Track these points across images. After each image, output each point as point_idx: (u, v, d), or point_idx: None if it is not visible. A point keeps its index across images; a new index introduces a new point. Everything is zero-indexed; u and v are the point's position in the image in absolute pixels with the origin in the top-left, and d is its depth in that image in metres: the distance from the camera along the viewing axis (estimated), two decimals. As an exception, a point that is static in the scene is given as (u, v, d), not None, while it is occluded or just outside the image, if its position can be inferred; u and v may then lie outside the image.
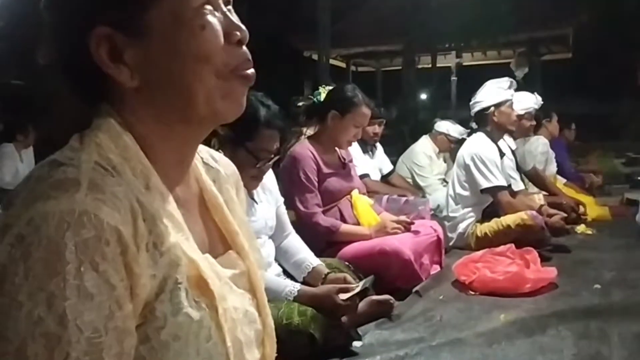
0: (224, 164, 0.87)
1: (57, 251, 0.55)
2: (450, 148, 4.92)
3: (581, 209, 3.71)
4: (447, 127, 4.84)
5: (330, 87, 2.86)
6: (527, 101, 4.14)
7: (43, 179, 0.60)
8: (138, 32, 0.64)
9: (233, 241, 0.80)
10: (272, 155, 1.96)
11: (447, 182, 4.52)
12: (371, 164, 4.31)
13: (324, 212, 2.69)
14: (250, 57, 0.71)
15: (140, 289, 0.60)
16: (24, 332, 0.53)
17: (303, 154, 2.66)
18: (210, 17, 0.66)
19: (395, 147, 5.86)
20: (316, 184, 2.67)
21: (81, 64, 0.65)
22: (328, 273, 2.12)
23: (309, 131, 2.95)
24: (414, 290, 2.55)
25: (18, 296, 0.54)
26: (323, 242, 2.63)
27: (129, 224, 0.60)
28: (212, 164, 0.85)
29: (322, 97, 2.79)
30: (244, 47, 0.70)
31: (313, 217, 2.62)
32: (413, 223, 2.78)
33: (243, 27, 0.69)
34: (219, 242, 0.80)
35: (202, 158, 0.83)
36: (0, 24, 8.43)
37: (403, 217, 2.80)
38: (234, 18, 0.69)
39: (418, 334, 2.12)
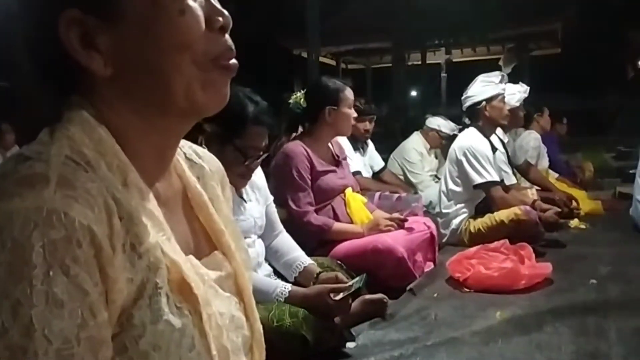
0: (209, 160, 0.82)
1: (22, 254, 0.49)
2: (441, 144, 4.89)
3: (574, 203, 3.69)
4: (439, 123, 4.81)
5: (303, 91, 2.81)
6: (516, 92, 4.12)
7: (8, 174, 0.54)
8: (111, 15, 0.59)
9: (219, 241, 0.76)
10: (261, 153, 1.90)
11: (438, 179, 4.49)
12: (362, 161, 4.27)
13: (317, 211, 2.64)
14: (232, 46, 0.65)
15: (116, 294, 0.55)
16: None
17: (296, 151, 2.61)
18: (190, 1, 0.61)
19: (386, 144, 5.81)
20: (309, 182, 2.62)
21: (51, 51, 0.60)
22: (320, 272, 2.07)
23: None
24: (407, 288, 2.51)
25: None
26: (315, 241, 2.58)
27: (104, 223, 0.55)
28: (195, 159, 0.80)
29: (302, 102, 2.75)
30: (227, 35, 0.65)
31: (305, 216, 2.57)
32: (406, 220, 2.74)
33: (226, 12, 0.64)
34: (204, 242, 0.75)
35: (184, 154, 0.78)
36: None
37: (396, 215, 2.76)
38: (216, 3, 0.64)
39: (413, 334, 2.07)
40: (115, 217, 0.56)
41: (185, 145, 0.80)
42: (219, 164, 0.85)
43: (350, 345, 1.97)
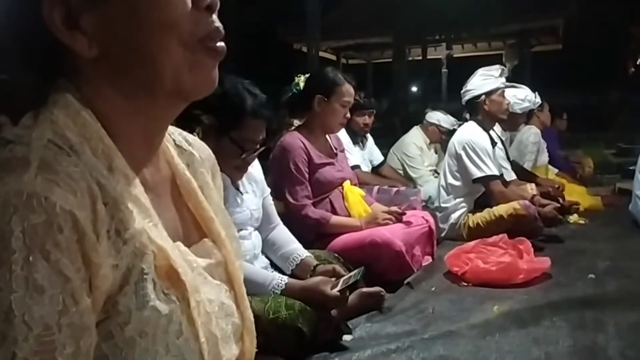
0: (199, 148, 0.81)
1: (1, 238, 0.48)
2: (441, 139, 4.87)
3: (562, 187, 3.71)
4: (439, 117, 4.79)
5: (307, 75, 2.80)
6: (525, 100, 4.13)
7: None
8: None
9: (208, 229, 0.75)
10: (258, 146, 1.89)
11: (438, 174, 4.47)
12: (362, 155, 4.25)
13: (314, 204, 2.63)
14: (221, 28, 0.64)
15: (100, 280, 0.55)
16: None
17: (293, 144, 2.59)
18: None
19: (386, 138, 5.80)
20: (307, 175, 2.61)
21: (35, 32, 0.59)
22: (317, 265, 2.06)
23: (297, 122, 2.89)
24: (405, 282, 2.50)
25: None
26: (312, 234, 2.57)
27: (87, 208, 0.54)
28: (185, 146, 0.79)
29: (302, 85, 2.73)
30: (214, 16, 0.63)
31: (302, 210, 2.56)
32: (404, 214, 2.73)
33: None
34: (193, 229, 0.74)
35: (174, 140, 0.77)
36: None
37: (394, 208, 2.75)
38: None
39: (410, 327, 2.07)
40: (100, 203, 0.56)
41: (174, 132, 0.79)
42: (210, 151, 0.84)
43: (346, 337, 1.96)
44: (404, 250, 2.53)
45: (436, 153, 5.00)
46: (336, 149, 2.82)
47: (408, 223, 2.72)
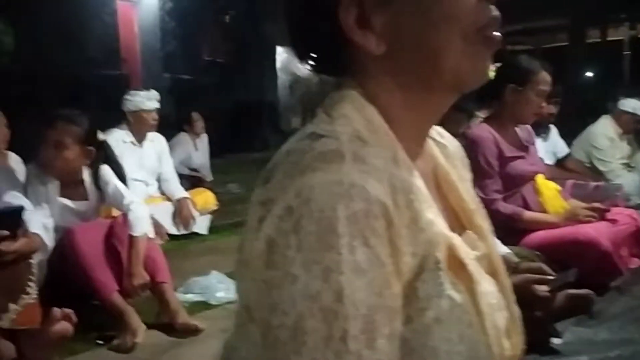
0: (449, 139, 0.82)
1: (329, 224, 0.52)
2: (636, 129, 4.40)
3: None
4: (634, 105, 4.33)
5: (498, 64, 2.67)
6: None
7: (305, 151, 0.58)
8: None
9: (470, 221, 0.74)
10: None
11: (632, 167, 4.06)
12: (544, 147, 4.00)
13: (505, 199, 2.53)
14: (499, 16, 0.63)
15: (403, 266, 0.57)
16: (300, 305, 0.51)
17: (482, 136, 2.51)
18: None
19: (564, 128, 5.39)
20: (497, 168, 2.51)
21: (329, 33, 0.63)
22: (518, 262, 1.97)
23: (482, 114, 2.80)
24: (612, 285, 2.30)
25: (292, 269, 0.52)
26: (502, 230, 2.46)
27: (390, 197, 0.56)
28: (438, 138, 0.79)
29: (491, 74, 2.62)
30: (492, 5, 0.63)
31: (493, 204, 2.47)
32: (608, 210, 2.51)
33: None
34: (454, 221, 0.74)
35: None
36: (171, 24, 9.24)
37: (596, 204, 2.54)
38: None
39: (627, 335, 1.90)
40: (399, 193, 0.57)
41: None
42: (458, 143, 0.84)
43: (555, 341, 1.85)
44: (611, 251, 2.33)
45: (629, 145, 4.53)
46: (527, 141, 2.68)
47: (613, 221, 2.50)
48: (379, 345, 0.52)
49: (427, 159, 0.73)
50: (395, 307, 0.55)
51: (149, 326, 2.45)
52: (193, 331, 2.43)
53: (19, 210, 2.04)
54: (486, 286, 0.68)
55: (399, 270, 0.56)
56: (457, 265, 0.63)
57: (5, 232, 1.91)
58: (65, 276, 2.41)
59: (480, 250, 0.73)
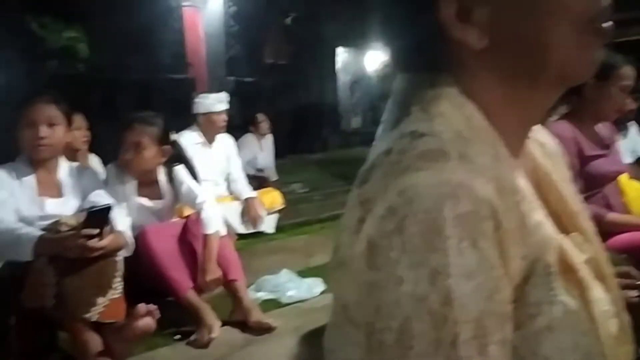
0: (547, 137, 0.78)
1: (435, 225, 0.50)
2: None
3: None
4: None
5: None
6: None
7: (406, 150, 0.56)
8: None
9: (573, 223, 0.70)
10: None
11: None
12: (623, 145, 3.81)
13: (586, 199, 2.41)
14: (610, 6, 0.60)
15: (511, 270, 0.54)
16: (407, 308, 0.49)
17: (563, 134, 2.41)
18: None
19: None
20: (577, 167, 2.41)
21: (428, 30, 0.61)
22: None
23: (561, 110, 2.69)
24: None
25: (396, 271, 0.50)
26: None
27: (498, 198, 0.53)
28: (537, 136, 0.75)
29: None
30: None
31: (573, 205, 2.36)
32: (703, 213, 2.35)
33: None
34: (556, 224, 0.70)
35: None
36: (235, 27, 9.43)
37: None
38: None
39: None
40: (506, 192, 0.55)
41: None
42: (556, 141, 0.79)
43: (647, 349, 1.75)
44: None
45: None
46: (608, 139, 2.55)
47: None
48: (491, 351, 0.50)
49: (527, 159, 0.70)
50: (506, 313, 0.53)
51: (223, 323, 2.50)
52: (266, 329, 2.46)
53: (108, 208, 2.12)
54: (598, 292, 0.65)
55: (508, 274, 0.54)
56: (567, 269, 0.60)
57: (96, 231, 1.99)
58: (140, 274, 2.50)
59: (587, 254, 0.70)
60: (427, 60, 0.65)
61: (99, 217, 2.04)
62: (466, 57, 0.62)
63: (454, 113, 0.60)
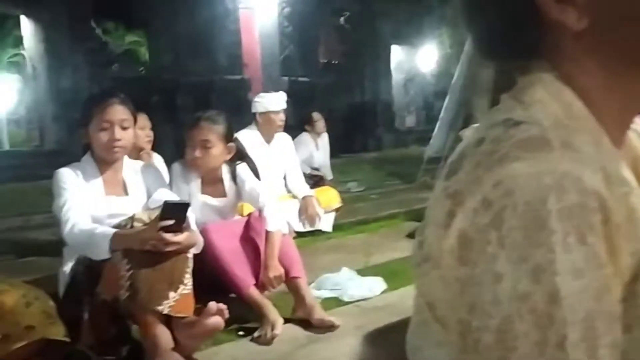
0: None
1: (538, 218, 0.46)
2: None
3: None
4: None
5: None
6: None
7: (501, 139, 0.52)
8: None
9: None
10: None
11: None
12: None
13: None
14: None
15: (620, 267, 0.50)
16: (507, 307, 0.46)
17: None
18: None
19: None
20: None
21: (525, 12, 0.57)
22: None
23: None
24: None
25: (494, 266, 0.47)
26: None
27: (606, 189, 0.50)
28: (636, 127, 0.70)
29: None
30: None
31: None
32: None
33: None
34: None
35: None
36: (289, 28, 9.52)
37: None
38: None
39: None
40: (613, 183, 0.51)
41: None
42: None
43: None
44: None
45: None
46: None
47: None
48: (601, 354, 0.46)
49: (628, 150, 0.65)
50: (616, 314, 0.49)
51: (286, 321, 2.50)
52: (329, 327, 2.45)
53: (186, 205, 2.15)
54: None
55: (618, 271, 0.50)
56: None
57: (172, 221, 2.03)
58: (203, 271, 2.53)
59: None
60: (521, 45, 0.61)
61: (175, 212, 2.06)
62: (563, 41, 0.58)
63: (551, 100, 0.57)
